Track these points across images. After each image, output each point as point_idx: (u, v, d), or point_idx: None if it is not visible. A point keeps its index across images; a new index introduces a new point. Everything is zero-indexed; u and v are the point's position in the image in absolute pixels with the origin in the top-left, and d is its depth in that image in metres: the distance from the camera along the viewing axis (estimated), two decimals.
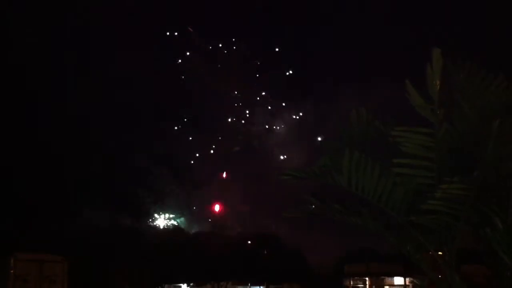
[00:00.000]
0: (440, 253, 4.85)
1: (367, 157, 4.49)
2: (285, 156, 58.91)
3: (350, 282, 39.61)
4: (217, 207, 56.17)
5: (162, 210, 52.80)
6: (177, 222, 53.51)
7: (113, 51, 51.05)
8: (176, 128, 59.69)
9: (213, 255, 39.61)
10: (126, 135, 50.46)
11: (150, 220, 49.04)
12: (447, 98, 4.51)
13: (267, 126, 62.64)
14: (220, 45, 61.50)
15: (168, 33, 59.51)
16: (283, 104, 61.54)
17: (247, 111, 62.13)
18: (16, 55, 40.67)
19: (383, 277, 38.89)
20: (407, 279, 35.85)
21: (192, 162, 59.92)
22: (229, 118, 61.54)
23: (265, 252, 44.54)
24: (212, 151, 60.98)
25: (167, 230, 46.79)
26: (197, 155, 60.28)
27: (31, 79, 41.74)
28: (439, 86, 4.21)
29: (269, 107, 62.66)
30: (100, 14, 49.34)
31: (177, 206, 55.21)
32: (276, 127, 63.48)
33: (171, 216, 54.15)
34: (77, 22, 48.58)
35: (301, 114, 59.37)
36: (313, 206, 5.03)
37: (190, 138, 60.54)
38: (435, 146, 4.44)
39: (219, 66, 60.84)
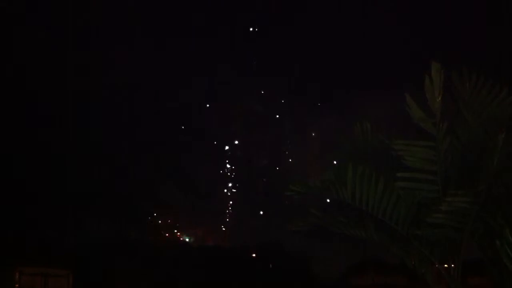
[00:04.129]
0: (445, 265, 4.85)
1: (371, 170, 4.50)
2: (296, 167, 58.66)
3: None
4: None
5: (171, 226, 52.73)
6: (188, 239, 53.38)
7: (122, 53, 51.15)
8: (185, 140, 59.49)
9: (218, 267, 39.49)
10: (131, 146, 50.49)
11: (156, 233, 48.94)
12: (451, 109, 4.52)
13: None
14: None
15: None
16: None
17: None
18: (20, 55, 40.69)
19: None
20: None
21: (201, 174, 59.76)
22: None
23: (270, 263, 44.37)
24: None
25: (171, 242, 46.68)
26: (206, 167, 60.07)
27: (33, 89, 41.78)
28: (441, 98, 4.21)
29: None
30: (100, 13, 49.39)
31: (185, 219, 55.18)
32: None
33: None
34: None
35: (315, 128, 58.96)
36: (318, 219, 5.03)
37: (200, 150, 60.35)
38: (438, 159, 4.45)
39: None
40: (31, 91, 40.42)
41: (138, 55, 52.30)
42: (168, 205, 51.60)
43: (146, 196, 47.33)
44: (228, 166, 61.59)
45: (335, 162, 5.23)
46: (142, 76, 52.43)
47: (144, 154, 52.05)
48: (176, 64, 56.79)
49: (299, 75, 59.54)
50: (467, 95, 4.54)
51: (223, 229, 59.51)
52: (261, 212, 57.52)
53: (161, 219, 51.53)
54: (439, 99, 4.19)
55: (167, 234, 52.56)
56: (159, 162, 53.90)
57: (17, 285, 21.21)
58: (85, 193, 40.35)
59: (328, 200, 4.91)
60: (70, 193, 39.28)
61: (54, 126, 42.65)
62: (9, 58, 38.48)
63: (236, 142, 60.79)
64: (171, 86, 57.03)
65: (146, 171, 51.14)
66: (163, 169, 53.68)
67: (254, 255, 45.59)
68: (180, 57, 56.70)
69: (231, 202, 60.54)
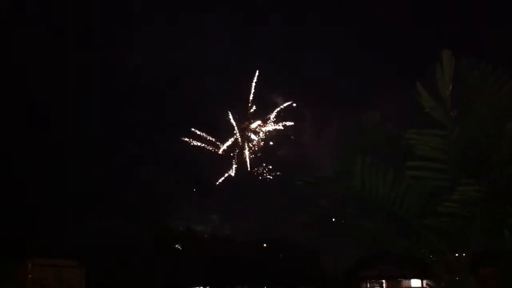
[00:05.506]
0: (456, 255, 4.81)
1: (380, 161, 4.46)
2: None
3: (366, 285, 39.41)
4: None
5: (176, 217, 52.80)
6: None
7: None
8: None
9: (228, 259, 39.69)
10: (135, 143, 50.64)
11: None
12: (460, 98, 4.47)
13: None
14: None
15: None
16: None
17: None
18: (20, 54, 40.75)
19: (400, 279, 38.61)
20: (424, 281, 35.53)
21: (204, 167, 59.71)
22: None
23: (280, 255, 44.53)
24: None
25: (182, 235, 46.89)
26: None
27: (36, 88, 41.89)
28: (451, 87, 4.18)
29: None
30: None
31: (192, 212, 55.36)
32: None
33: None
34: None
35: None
36: (327, 210, 5.01)
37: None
38: (448, 147, 4.40)
39: None
40: (32, 91, 40.54)
41: (140, 53, 52.40)
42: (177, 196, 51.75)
43: (154, 190, 47.45)
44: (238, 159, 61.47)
45: (344, 153, 5.19)
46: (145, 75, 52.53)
47: (153, 148, 52.23)
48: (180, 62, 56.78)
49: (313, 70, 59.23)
50: (476, 84, 4.50)
51: (233, 222, 59.72)
52: (271, 205, 57.59)
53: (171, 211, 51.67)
54: (450, 86, 4.16)
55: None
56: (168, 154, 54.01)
57: (30, 276, 21.37)
58: (94, 189, 40.54)
59: (337, 191, 4.88)
60: (75, 189, 39.51)
61: (64, 122, 42.96)
62: (8, 57, 38.63)
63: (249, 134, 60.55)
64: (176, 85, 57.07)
65: (154, 164, 51.29)
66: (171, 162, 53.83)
67: (265, 245, 45.72)
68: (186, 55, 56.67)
69: (240, 195, 60.60)
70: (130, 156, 48.42)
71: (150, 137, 53.09)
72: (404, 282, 38.87)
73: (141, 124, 51.91)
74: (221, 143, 59.01)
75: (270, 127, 57.78)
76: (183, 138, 57.91)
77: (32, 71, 41.37)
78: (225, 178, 59.26)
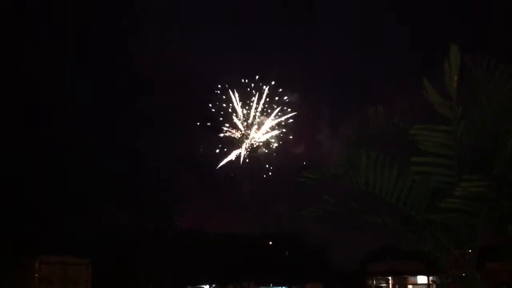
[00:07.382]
0: (462, 250, 4.81)
1: (385, 156, 4.46)
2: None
3: (373, 281, 39.38)
4: None
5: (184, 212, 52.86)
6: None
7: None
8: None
9: (235, 256, 39.75)
10: (148, 136, 50.79)
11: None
12: (465, 93, 4.47)
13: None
14: None
15: None
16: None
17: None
18: (22, 55, 40.86)
19: (406, 276, 38.55)
20: (430, 278, 35.50)
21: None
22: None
23: (287, 251, 44.58)
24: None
25: (189, 231, 46.97)
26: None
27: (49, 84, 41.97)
28: (457, 81, 4.18)
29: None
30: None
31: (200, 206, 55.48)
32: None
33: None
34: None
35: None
36: (332, 206, 5.00)
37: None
38: (454, 143, 4.40)
39: None
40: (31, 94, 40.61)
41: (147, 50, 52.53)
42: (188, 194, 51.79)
43: (166, 188, 47.50)
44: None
45: (349, 148, 5.19)
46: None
47: (164, 146, 52.34)
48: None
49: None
50: (481, 78, 4.48)
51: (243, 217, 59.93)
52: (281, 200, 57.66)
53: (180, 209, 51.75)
54: (456, 82, 4.15)
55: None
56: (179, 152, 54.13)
57: (36, 275, 21.51)
58: (103, 182, 40.60)
59: (342, 187, 4.88)
60: (88, 182, 39.58)
61: (74, 115, 43.13)
62: (10, 58, 38.72)
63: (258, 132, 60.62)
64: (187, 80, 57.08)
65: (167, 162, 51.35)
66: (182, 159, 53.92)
67: (271, 242, 45.80)
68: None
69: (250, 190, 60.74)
70: (137, 153, 48.62)
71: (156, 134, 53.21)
72: (410, 279, 38.83)
73: (145, 122, 52.09)
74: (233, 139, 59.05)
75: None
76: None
77: (31, 71, 41.50)
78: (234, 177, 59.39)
